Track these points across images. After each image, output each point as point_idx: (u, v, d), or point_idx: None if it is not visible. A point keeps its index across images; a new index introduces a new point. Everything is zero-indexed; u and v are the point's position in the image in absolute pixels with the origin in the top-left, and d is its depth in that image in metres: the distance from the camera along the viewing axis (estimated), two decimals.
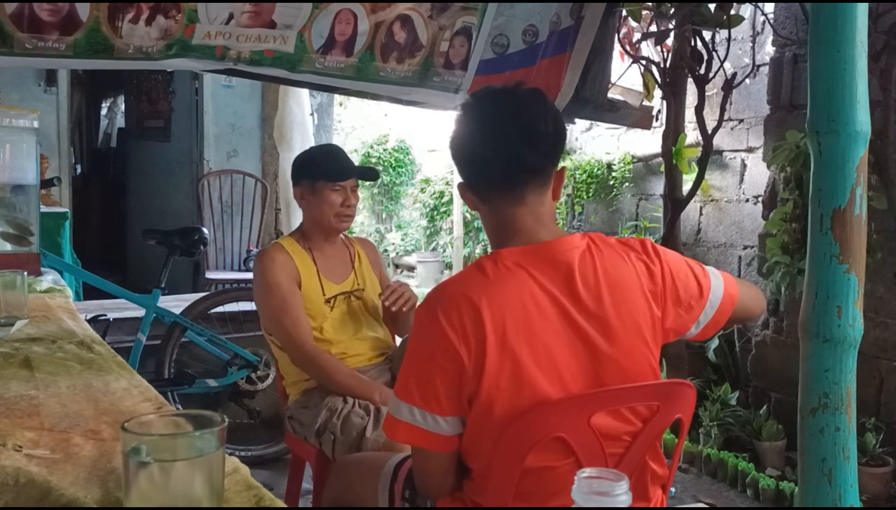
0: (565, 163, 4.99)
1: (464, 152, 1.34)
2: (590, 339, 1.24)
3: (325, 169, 2.17)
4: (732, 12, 2.81)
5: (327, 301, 2.18)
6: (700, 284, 1.37)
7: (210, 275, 5.10)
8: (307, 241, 2.23)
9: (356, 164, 2.29)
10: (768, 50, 3.65)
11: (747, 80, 3.59)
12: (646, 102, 3.50)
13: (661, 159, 3.33)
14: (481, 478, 1.29)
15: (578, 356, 1.24)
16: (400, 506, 1.46)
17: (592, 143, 5.05)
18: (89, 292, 3.74)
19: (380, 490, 1.49)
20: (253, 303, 3.31)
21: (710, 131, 3.04)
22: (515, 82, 1.35)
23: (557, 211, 5.00)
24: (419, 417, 1.22)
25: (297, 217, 4.88)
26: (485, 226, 1.37)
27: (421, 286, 7.73)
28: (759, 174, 3.73)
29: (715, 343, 3.62)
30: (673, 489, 3.07)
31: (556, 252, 1.27)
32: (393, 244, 8.36)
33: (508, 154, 1.28)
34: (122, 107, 7.27)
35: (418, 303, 1.39)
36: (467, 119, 1.34)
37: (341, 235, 2.31)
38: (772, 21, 3.46)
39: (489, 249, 1.40)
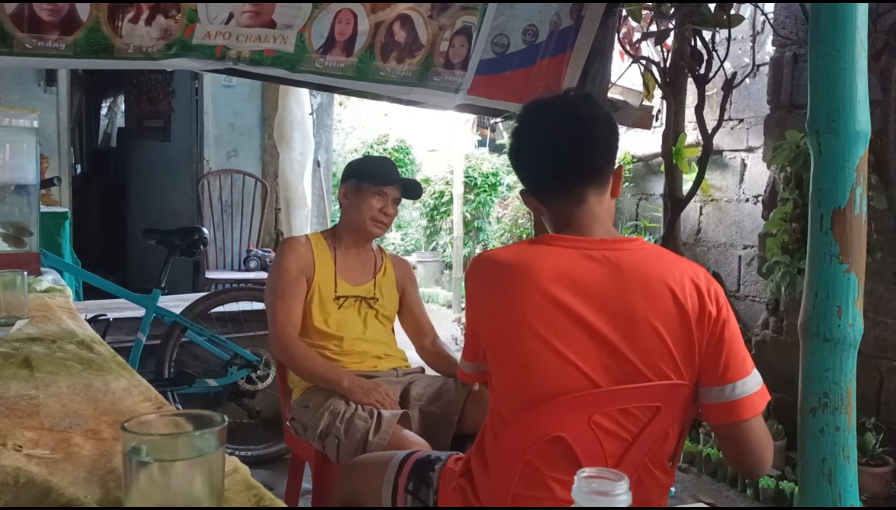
0: None
1: (525, 162, 1.42)
2: (604, 333, 1.24)
3: (371, 173, 2.26)
4: (732, 12, 2.81)
5: (336, 299, 2.23)
6: (741, 360, 1.29)
7: (210, 274, 5.10)
8: (336, 239, 2.30)
9: None
10: (768, 50, 3.65)
11: (747, 80, 3.58)
12: (646, 102, 3.50)
13: (661, 159, 3.33)
14: (488, 465, 1.31)
15: (590, 345, 1.24)
16: (402, 496, 1.47)
17: None
18: (89, 292, 3.75)
19: (384, 483, 1.51)
20: (253, 302, 3.35)
21: (710, 131, 3.03)
22: (566, 89, 1.46)
23: None
24: (461, 358, 1.48)
25: (297, 217, 4.88)
26: (548, 227, 1.42)
27: (421, 286, 7.73)
28: (759, 174, 3.73)
29: None
30: (673, 489, 3.07)
31: (603, 247, 1.30)
32: (393, 244, 8.36)
33: (569, 158, 1.35)
34: (122, 107, 7.27)
35: None
36: (526, 130, 1.41)
37: (374, 245, 2.36)
38: (772, 21, 3.46)
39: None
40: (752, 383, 1.28)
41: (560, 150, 1.35)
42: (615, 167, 1.39)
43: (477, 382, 1.75)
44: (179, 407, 2.92)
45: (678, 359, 1.26)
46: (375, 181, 2.22)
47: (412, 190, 2.33)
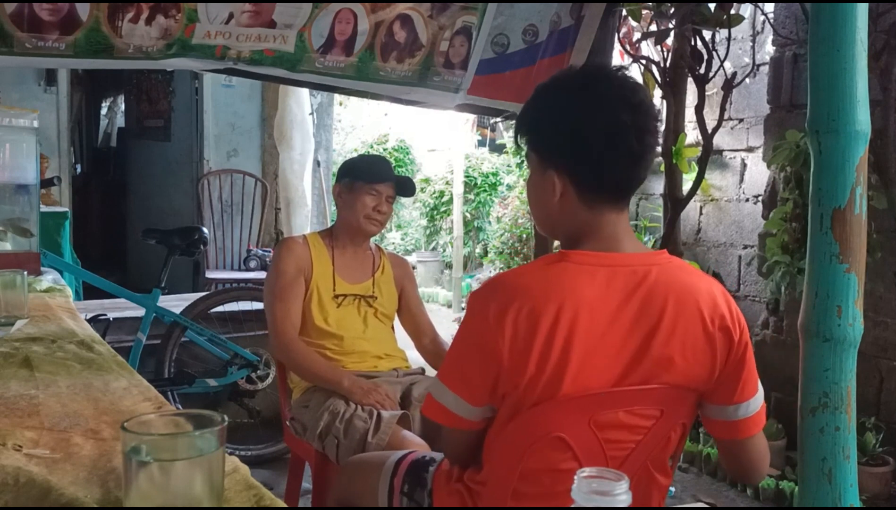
0: None
1: (592, 152, 1.21)
2: (642, 359, 1.20)
3: (365, 171, 2.26)
4: (732, 12, 2.81)
5: (335, 297, 2.23)
6: (753, 380, 1.27)
7: (210, 274, 5.10)
8: (333, 239, 2.31)
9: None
10: (768, 49, 3.65)
11: (747, 80, 3.58)
12: None
13: (660, 159, 3.33)
14: (485, 460, 1.30)
15: (615, 367, 1.20)
16: (398, 498, 1.46)
17: None
18: (89, 292, 3.74)
19: (380, 484, 1.50)
20: (253, 302, 3.35)
21: (710, 131, 3.03)
22: (621, 69, 1.29)
23: None
24: (452, 401, 1.23)
25: (297, 217, 4.88)
26: (557, 216, 1.28)
27: (421, 286, 7.73)
28: (759, 174, 3.73)
29: None
30: (673, 489, 3.07)
31: (632, 263, 1.23)
32: (393, 244, 8.36)
33: (640, 174, 1.25)
34: (122, 107, 7.28)
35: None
36: (602, 112, 1.20)
37: (373, 245, 2.37)
38: (772, 20, 3.46)
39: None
40: (757, 401, 1.28)
41: (640, 162, 1.22)
42: None
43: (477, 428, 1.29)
44: (179, 407, 2.92)
45: (699, 376, 1.23)
46: (368, 179, 2.23)
47: (406, 187, 2.33)
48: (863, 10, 1.25)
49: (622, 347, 1.20)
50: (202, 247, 3.36)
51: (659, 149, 1.26)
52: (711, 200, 4.05)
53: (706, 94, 3.08)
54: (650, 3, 2.93)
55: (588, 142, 1.21)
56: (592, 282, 1.19)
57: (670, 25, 2.92)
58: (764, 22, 3.59)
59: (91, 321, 2.81)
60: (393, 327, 2.38)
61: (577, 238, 1.26)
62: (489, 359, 1.17)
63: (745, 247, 3.85)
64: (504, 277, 1.25)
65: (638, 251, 1.27)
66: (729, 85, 3.07)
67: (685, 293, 1.22)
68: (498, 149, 7.92)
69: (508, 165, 7.56)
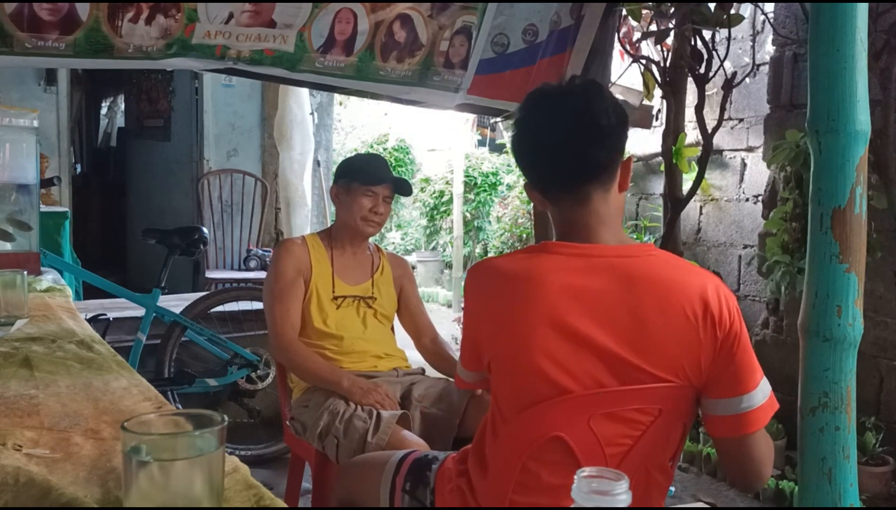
0: None
1: (528, 155, 1.34)
2: (611, 348, 1.20)
3: (362, 172, 2.24)
4: (732, 11, 2.80)
5: (334, 298, 2.23)
6: (750, 372, 1.24)
7: (210, 274, 5.10)
8: (332, 240, 2.31)
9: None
10: (768, 49, 3.65)
11: (747, 80, 3.58)
12: (646, 102, 3.49)
13: (660, 159, 3.33)
14: (486, 465, 1.31)
15: (596, 361, 1.21)
16: (400, 496, 1.47)
17: None
18: (89, 292, 3.75)
19: (382, 483, 1.51)
20: (253, 302, 3.35)
21: (710, 131, 3.03)
22: (571, 76, 1.36)
23: None
24: (459, 365, 1.45)
25: (297, 217, 4.88)
26: (553, 224, 1.36)
27: (421, 286, 7.73)
28: (759, 173, 3.73)
29: None
30: (673, 488, 3.06)
31: (609, 255, 1.24)
32: (393, 244, 8.36)
33: (574, 154, 1.26)
34: (122, 106, 7.28)
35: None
36: (528, 121, 1.33)
37: (372, 245, 2.37)
38: (772, 20, 3.46)
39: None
40: (760, 395, 1.24)
41: (563, 145, 1.27)
42: (624, 159, 1.31)
43: (479, 389, 1.65)
44: (179, 406, 2.92)
45: (687, 369, 1.23)
46: (365, 181, 2.21)
47: (403, 187, 2.32)
48: (863, 10, 1.25)
49: (601, 337, 1.20)
50: (202, 246, 3.36)
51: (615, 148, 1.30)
52: (711, 200, 4.05)
53: (706, 93, 3.08)
54: (650, 3, 2.93)
55: (525, 150, 1.35)
56: (569, 271, 1.24)
57: (670, 25, 2.91)
58: (764, 22, 3.60)
59: (91, 321, 2.81)
60: (393, 327, 2.38)
61: (563, 236, 1.33)
62: (473, 329, 1.35)
63: (745, 246, 3.85)
64: (492, 260, 1.36)
65: (620, 243, 1.28)
66: (729, 85, 3.07)
67: (664, 285, 1.22)
68: (498, 148, 7.92)
69: (508, 165, 7.56)
